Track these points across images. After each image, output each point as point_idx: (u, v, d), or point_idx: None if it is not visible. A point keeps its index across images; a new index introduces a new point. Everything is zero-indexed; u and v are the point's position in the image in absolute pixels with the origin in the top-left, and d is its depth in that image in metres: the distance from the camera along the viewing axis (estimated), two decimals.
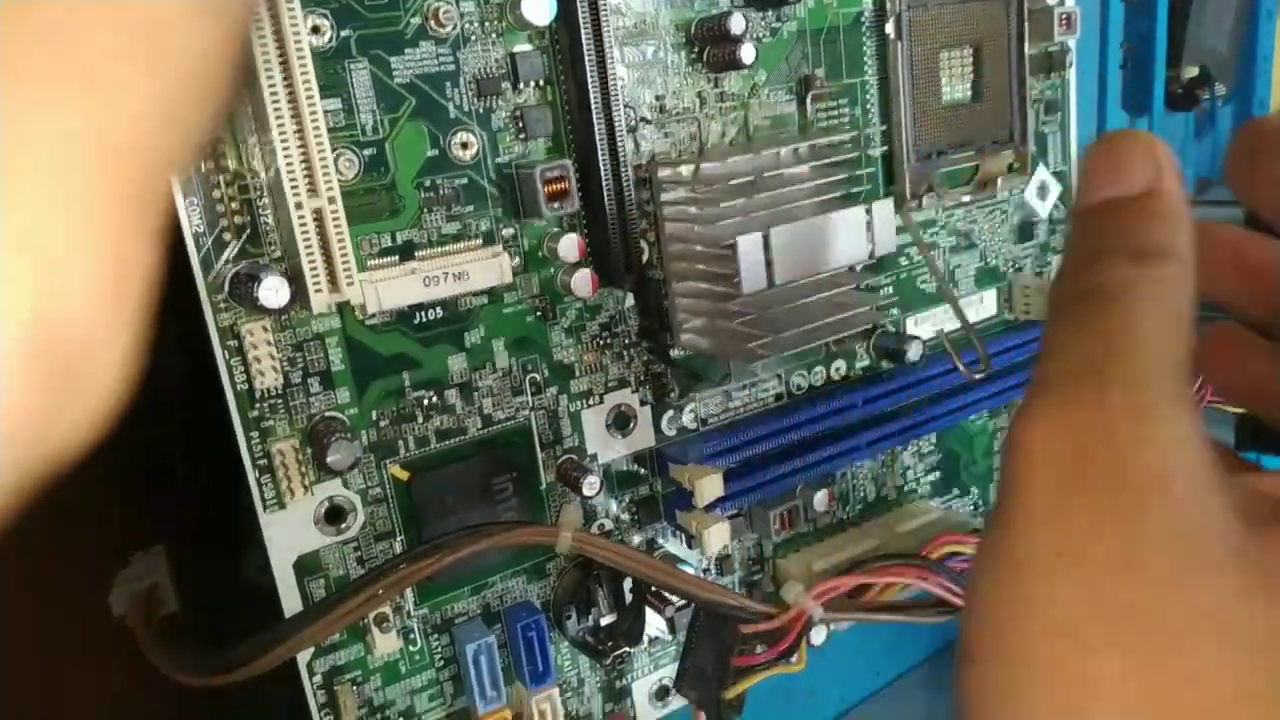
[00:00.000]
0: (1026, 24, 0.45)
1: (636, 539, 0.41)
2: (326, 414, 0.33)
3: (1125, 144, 0.19)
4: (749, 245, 0.34)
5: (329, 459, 0.31)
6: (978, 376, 0.42)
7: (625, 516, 0.40)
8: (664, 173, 0.37)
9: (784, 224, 0.34)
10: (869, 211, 0.36)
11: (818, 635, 0.43)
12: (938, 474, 0.49)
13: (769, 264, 0.34)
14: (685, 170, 0.36)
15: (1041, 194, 0.49)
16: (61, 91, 0.11)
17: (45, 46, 0.11)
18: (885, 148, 0.43)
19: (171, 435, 0.41)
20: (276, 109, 0.28)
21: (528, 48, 0.34)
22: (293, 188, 0.29)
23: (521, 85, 0.34)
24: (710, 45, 0.37)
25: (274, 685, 0.36)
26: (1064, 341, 0.17)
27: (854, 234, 0.36)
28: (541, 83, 0.34)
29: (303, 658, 0.34)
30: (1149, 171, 0.18)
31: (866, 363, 0.45)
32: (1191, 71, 0.55)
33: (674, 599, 0.39)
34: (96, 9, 0.11)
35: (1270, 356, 0.21)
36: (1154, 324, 0.16)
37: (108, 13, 0.11)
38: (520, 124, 0.34)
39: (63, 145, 0.11)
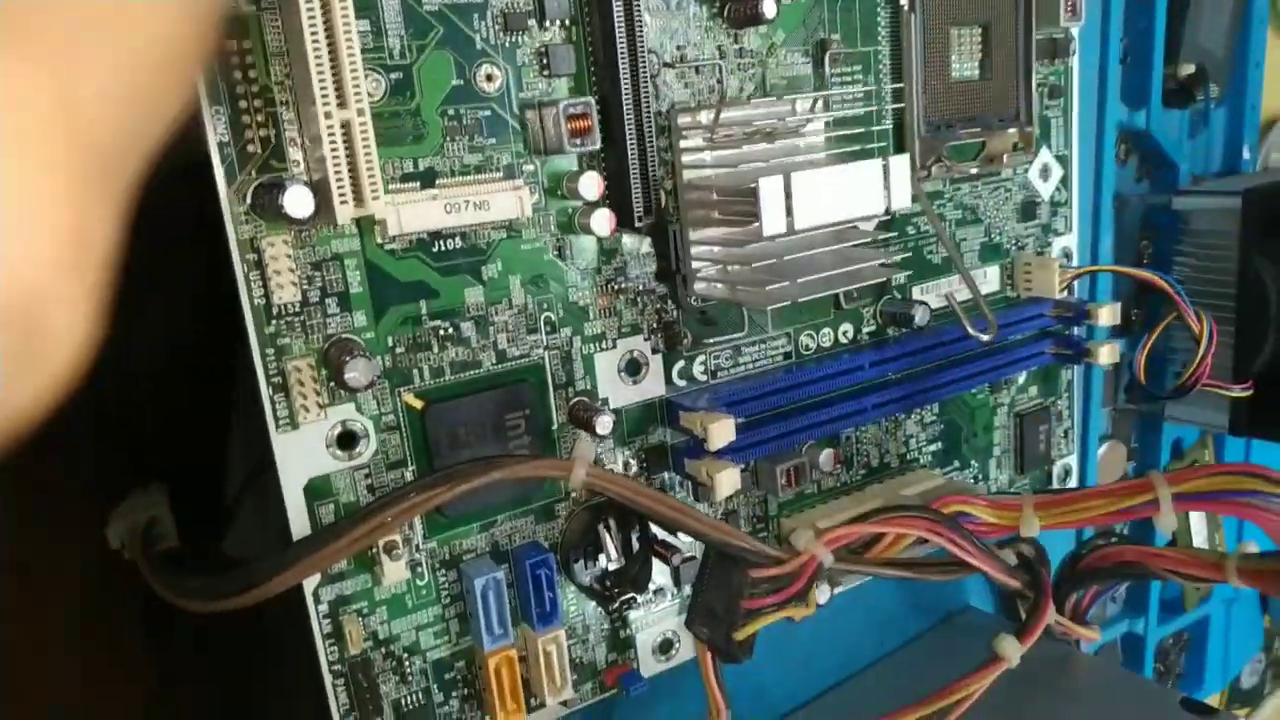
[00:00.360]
0: (1034, 7, 0.46)
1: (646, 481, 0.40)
2: (343, 335, 0.33)
3: None
4: (771, 188, 0.34)
5: (346, 375, 0.31)
6: (985, 337, 0.43)
7: (634, 464, 0.40)
8: (683, 119, 0.37)
9: (805, 170, 0.35)
10: (886, 165, 0.37)
11: (822, 594, 0.43)
12: (939, 445, 0.49)
13: (789, 208, 0.35)
14: (705, 117, 0.37)
15: (1044, 175, 0.50)
16: (26, 64, 0.11)
17: (11, 21, 0.11)
18: (896, 118, 0.44)
19: (174, 375, 0.41)
20: (311, 20, 0.28)
21: None
22: (323, 97, 0.29)
23: (548, 23, 0.34)
24: (732, 1, 0.38)
25: (279, 621, 0.36)
26: None
27: (871, 186, 0.37)
28: (567, 22, 0.35)
29: (309, 585, 0.34)
30: None
31: (873, 328, 0.45)
32: (1188, 69, 0.56)
33: (681, 549, 0.39)
34: None
35: None
36: None
37: None
38: (545, 61, 0.35)
39: (26, 115, 0.11)
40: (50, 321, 0.11)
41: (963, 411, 0.50)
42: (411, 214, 0.32)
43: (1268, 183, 0.53)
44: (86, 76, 0.11)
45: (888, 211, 0.37)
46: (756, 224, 0.34)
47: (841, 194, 0.36)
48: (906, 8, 0.42)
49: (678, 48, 0.37)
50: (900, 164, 0.37)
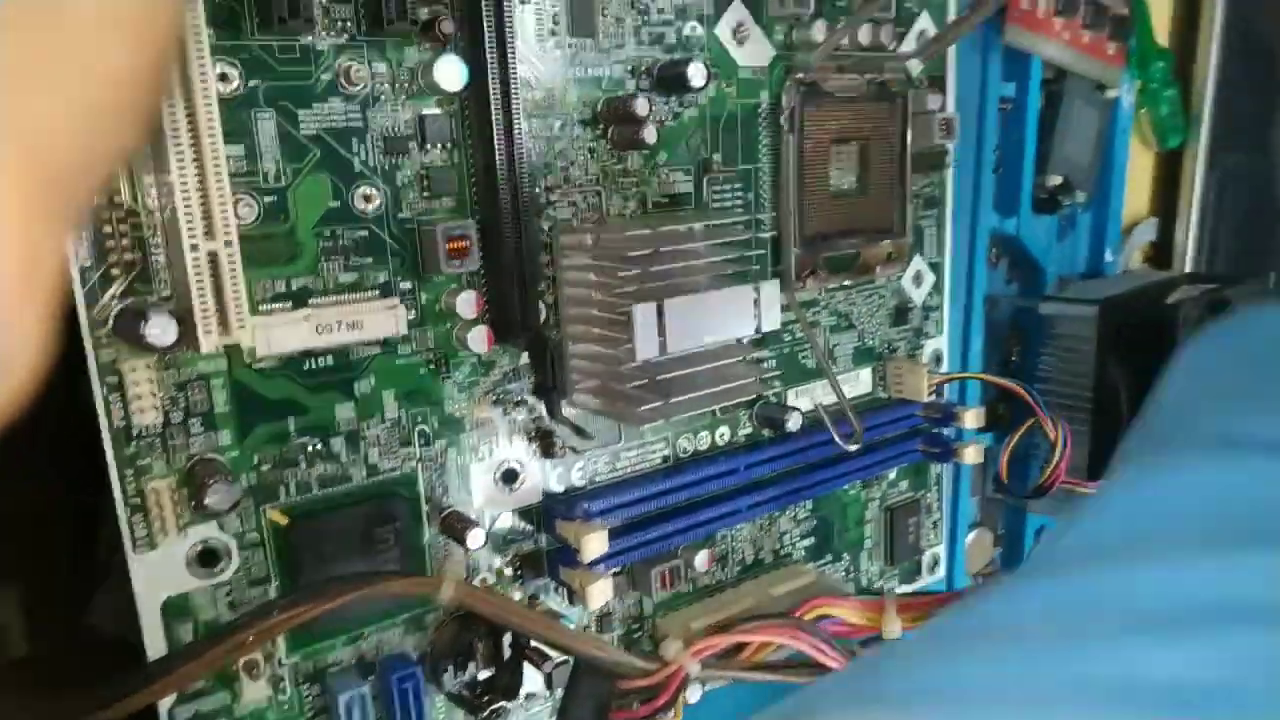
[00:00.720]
0: (910, 126, 0.49)
1: (517, 595, 0.41)
2: (206, 455, 0.33)
3: None
4: (644, 314, 0.35)
5: (207, 500, 0.31)
6: (851, 447, 0.44)
7: (508, 571, 0.40)
8: (565, 239, 0.38)
9: (678, 296, 0.36)
10: (757, 290, 0.38)
11: (694, 694, 0.44)
12: (813, 539, 0.51)
13: (662, 333, 0.36)
14: (586, 239, 0.38)
15: (917, 282, 0.53)
16: None
17: None
18: (774, 231, 0.45)
19: (36, 472, 0.40)
20: (178, 151, 0.29)
21: (436, 111, 0.35)
22: (189, 229, 0.29)
23: (429, 145, 0.35)
24: (615, 124, 0.39)
25: None
26: None
27: (742, 310, 0.38)
28: (449, 144, 0.36)
29: (164, 704, 0.33)
30: None
31: (749, 430, 0.47)
32: (1056, 180, 0.60)
33: (552, 654, 0.40)
34: (17, 15, 0.12)
35: None
36: None
37: (27, 19, 0.12)
38: (425, 182, 0.35)
39: None
40: (5, 340, 0.12)
41: (835, 507, 0.52)
42: (281, 336, 0.32)
43: (1121, 293, 0.57)
44: (41, 104, 0.12)
45: (758, 332, 0.39)
46: (630, 346, 0.35)
47: (714, 317, 0.38)
48: (786, 129, 0.44)
49: (561, 168, 0.38)
50: (770, 289, 0.39)
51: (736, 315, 0.38)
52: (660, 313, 0.36)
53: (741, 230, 0.40)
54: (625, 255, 0.36)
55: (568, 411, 0.40)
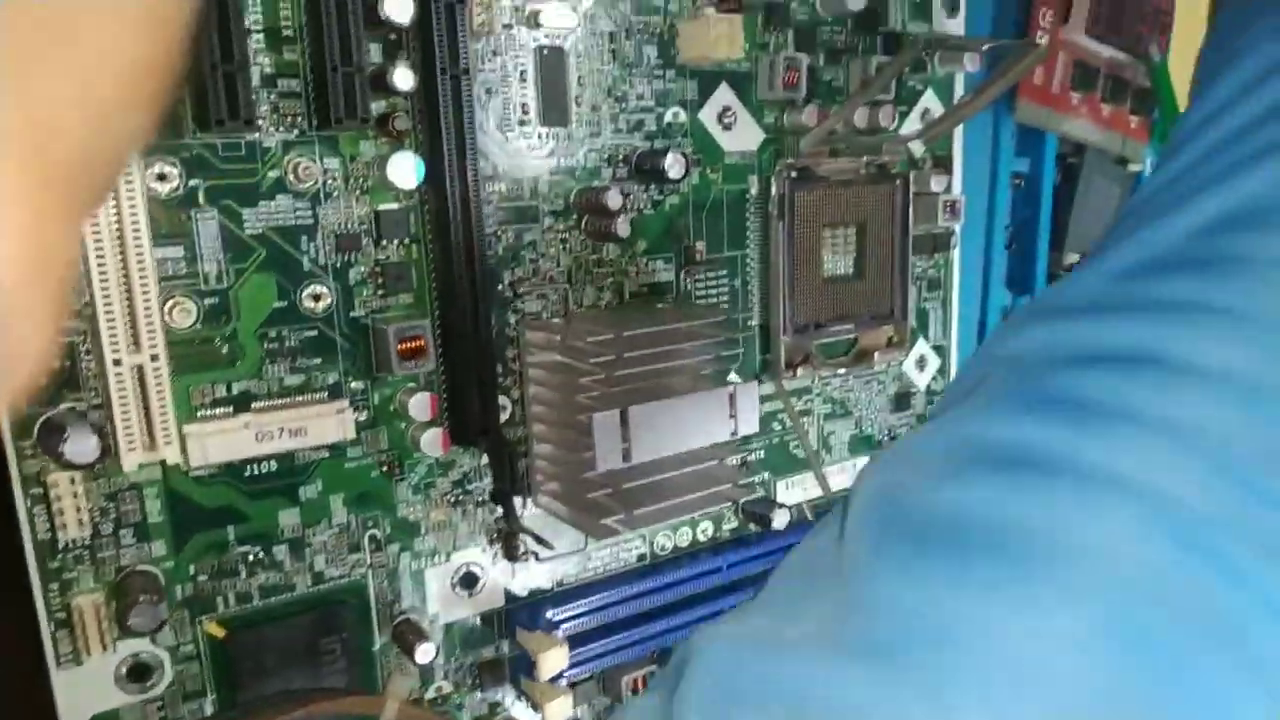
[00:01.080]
0: (912, 208, 0.47)
1: (479, 698, 0.39)
2: (138, 567, 0.31)
3: None
4: (605, 423, 0.33)
5: (130, 621, 0.30)
6: None
7: (468, 679, 0.38)
8: (531, 335, 0.36)
9: (644, 403, 0.34)
10: (732, 394, 0.36)
11: None
12: None
13: (625, 442, 0.34)
14: (553, 336, 0.36)
15: (920, 366, 0.50)
16: None
17: None
18: (763, 319, 0.43)
19: None
20: (100, 260, 0.27)
21: (394, 206, 0.34)
22: (112, 342, 0.28)
23: (384, 242, 0.34)
24: (589, 215, 0.37)
25: None
26: None
27: (717, 415, 0.36)
28: (407, 240, 0.34)
29: None
30: None
31: (734, 525, 0.45)
32: (1073, 257, 0.57)
33: None
34: (23, 8, 0.11)
35: None
36: None
37: (37, 8, 0.12)
38: (380, 279, 0.34)
39: None
40: (14, 333, 0.12)
41: None
42: (218, 445, 0.31)
43: None
44: (50, 91, 0.12)
45: (734, 435, 0.37)
46: (592, 454, 0.33)
47: (685, 424, 0.35)
48: (775, 215, 0.42)
49: (531, 260, 0.37)
50: (748, 390, 0.37)
51: (710, 421, 0.36)
52: (624, 420, 0.34)
53: (720, 326, 0.37)
54: (590, 357, 0.34)
55: (532, 513, 0.38)
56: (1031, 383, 0.18)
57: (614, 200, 0.36)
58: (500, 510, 0.37)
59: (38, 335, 0.12)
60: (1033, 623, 0.16)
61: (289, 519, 0.33)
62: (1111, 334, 0.17)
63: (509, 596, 0.38)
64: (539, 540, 0.37)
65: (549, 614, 0.38)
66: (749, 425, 0.37)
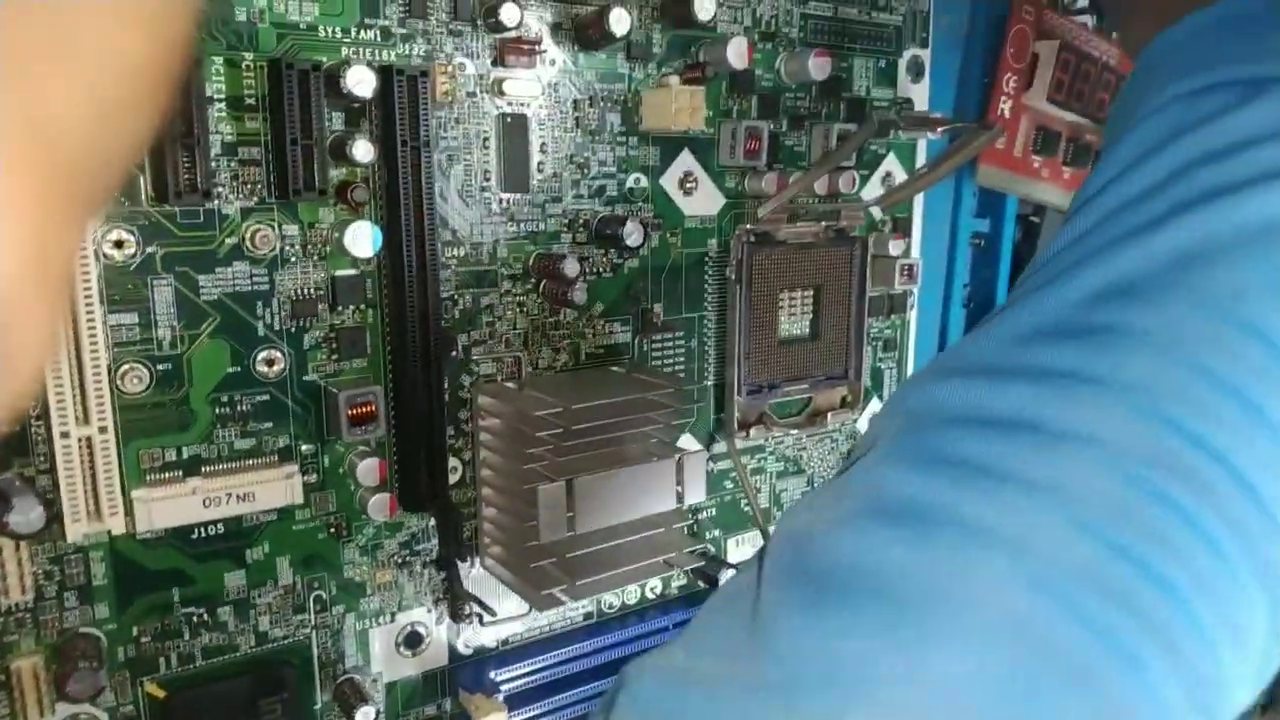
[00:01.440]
0: (869, 270, 0.47)
1: None
2: (81, 630, 0.31)
3: None
4: (550, 495, 0.34)
5: (69, 689, 0.30)
6: None
7: None
8: (484, 400, 0.37)
9: (592, 473, 0.35)
10: (680, 462, 0.37)
11: None
12: None
13: (571, 512, 0.34)
14: (501, 403, 0.36)
15: None
16: None
17: None
18: (717, 381, 0.44)
19: None
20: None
21: (351, 272, 0.34)
22: (61, 414, 0.28)
23: (340, 307, 0.34)
24: (546, 280, 0.38)
25: None
26: None
27: (663, 484, 0.37)
28: (363, 305, 0.34)
29: None
30: None
31: (683, 583, 0.45)
32: None
33: None
34: (23, 8, 0.11)
35: None
36: None
37: (40, 9, 0.12)
38: (334, 344, 0.34)
39: None
40: (15, 334, 0.12)
41: None
42: (166, 511, 0.31)
43: None
44: (53, 94, 0.12)
45: (681, 502, 0.37)
46: (535, 524, 0.34)
47: (632, 493, 0.36)
48: (733, 278, 0.43)
49: (487, 323, 0.37)
50: (695, 461, 0.37)
51: (657, 490, 0.36)
52: (570, 491, 0.34)
53: (674, 395, 0.38)
54: (540, 428, 0.35)
55: (475, 576, 0.38)
56: (924, 440, 0.19)
57: (571, 268, 0.36)
58: (443, 579, 0.37)
59: (37, 334, 0.12)
60: (911, 666, 0.17)
61: (234, 581, 0.34)
62: (999, 398, 0.19)
63: (453, 655, 0.39)
64: (483, 606, 0.37)
65: (492, 674, 0.38)
66: (696, 494, 0.37)
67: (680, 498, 0.37)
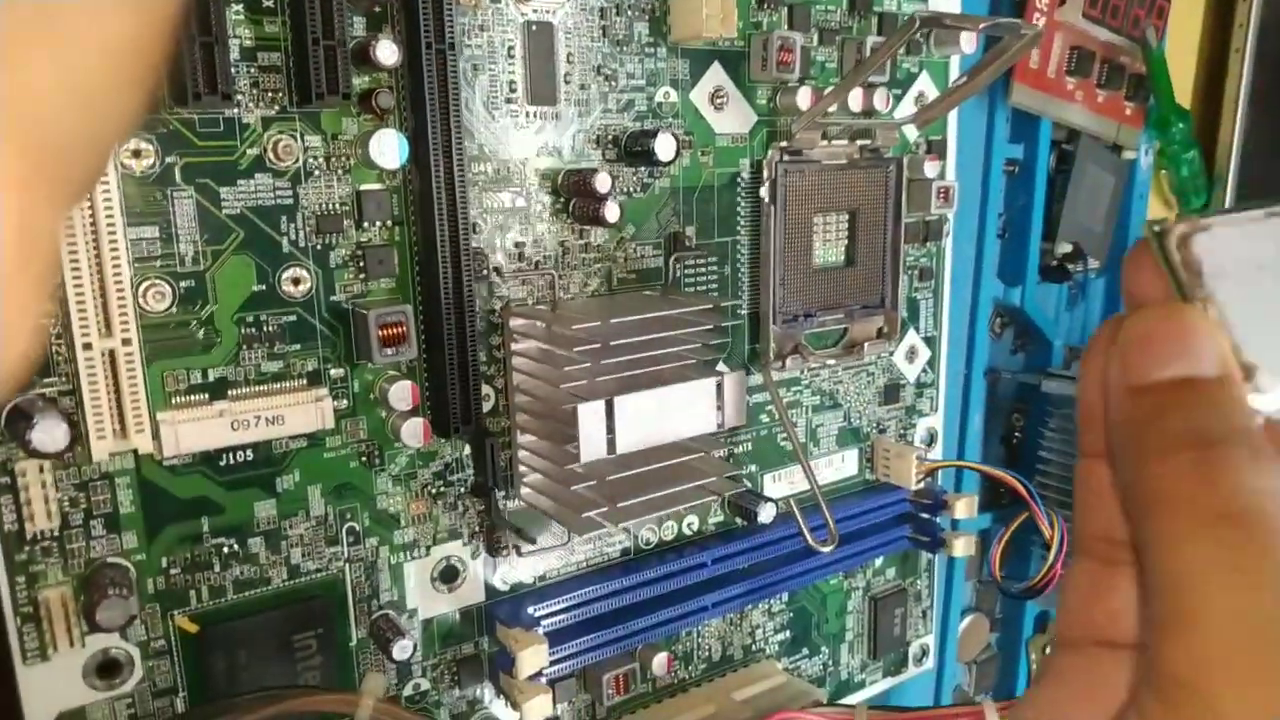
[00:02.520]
0: (905, 194, 0.46)
1: (457, 695, 0.38)
2: (109, 559, 0.30)
3: (1188, 318, 0.18)
4: (590, 414, 0.32)
5: (99, 617, 0.28)
6: (825, 549, 0.41)
7: (446, 676, 0.37)
8: (516, 323, 0.35)
9: (629, 392, 0.33)
10: (719, 384, 0.35)
11: None
12: (788, 633, 0.47)
13: (610, 433, 0.33)
14: (536, 324, 0.35)
15: (910, 357, 0.49)
16: None
17: None
18: (753, 308, 0.43)
19: None
20: (71, 241, 0.26)
21: (377, 186, 0.32)
22: (83, 326, 0.27)
23: (366, 224, 0.32)
24: (576, 198, 0.36)
25: None
26: (1232, 585, 0.16)
27: (703, 405, 0.35)
28: (389, 222, 0.33)
29: None
30: (1220, 354, 0.18)
31: (720, 519, 0.44)
32: (1065, 248, 0.57)
33: None
34: None
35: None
36: None
37: None
38: (362, 263, 0.33)
39: None
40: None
41: (813, 598, 0.48)
42: (192, 434, 0.30)
43: None
44: (39, 75, 0.12)
45: (721, 426, 0.36)
46: (576, 446, 0.32)
47: (671, 414, 0.35)
48: (767, 200, 0.41)
49: (515, 244, 0.36)
50: (735, 380, 0.36)
51: (697, 411, 0.35)
52: (610, 411, 0.33)
53: (710, 314, 0.37)
54: (575, 346, 0.33)
55: (512, 508, 0.37)
56: None
57: (603, 183, 0.35)
58: (481, 505, 0.36)
59: (22, 318, 0.12)
60: None
61: (265, 511, 0.32)
62: None
63: (490, 591, 0.38)
64: (520, 535, 0.36)
65: (530, 610, 0.37)
66: (736, 416, 0.36)
67: (721, 420, 0.36)
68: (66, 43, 0.12)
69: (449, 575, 0.36)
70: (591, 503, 0.34)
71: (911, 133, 0.47)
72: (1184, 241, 0.19)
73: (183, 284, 0.30)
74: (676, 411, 0.35)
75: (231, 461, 0.32)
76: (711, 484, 0.37)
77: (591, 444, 0.32)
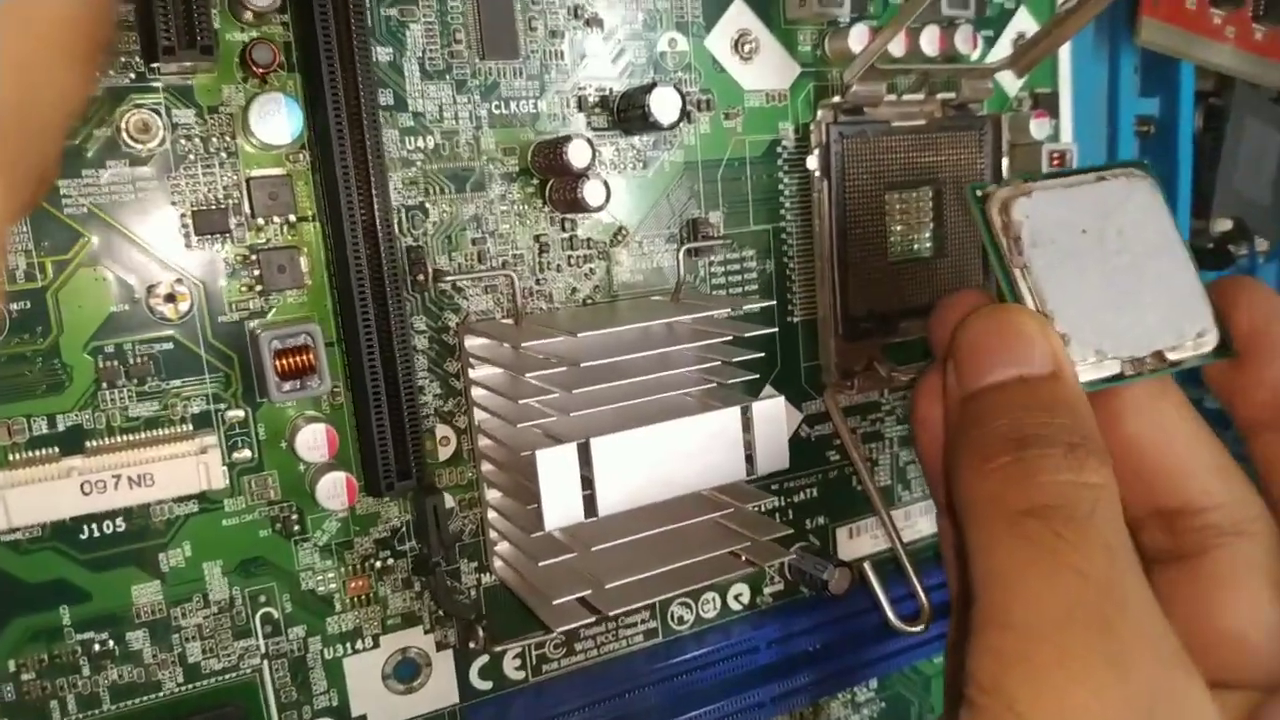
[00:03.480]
0: (1006, 161, 0.36)
1: None
2: None
3: (1018, 319, 0.18)
4: (553, 462, 0.23)
5: None
6: (914, 629, 0.31)
7: None
8: (472, 342, 0.27)
9: (618, 430, 0.24)
10: (747, 413, 0.26)
11: None
12: None
13: (588, 489, 0.24)
14: (502, 344, 0.27)
15: None
16: None
17: None
18: (805, 317, 0.33)
19: None
20: None
21: (275, 171, 0.25)
22: None
23: (261, 220, 0.25)
24: (552, 178, 0.28)
25: None
26: (1032, 574, 0.16)
27: (724, 444, 0.26)
28: (293, 218, 0.25)
29: None
30: (1050, 351, 0.18)
31: (778, 587, 0.34)
32: (1224, 225, 0.45)
33: None
34: None
35: None
36: (1128, 560, 0.16)
37: None
38: (256, 271, 0.25)
39: None
40: None
41: (912, 684, 0.38)
42: (29, 500, 0.23)
43: None
44: None
45: (752, 474, 0.27)
46: (537, 508, 0.24)
47: (680, 459, 0.25)
48: (817, 173, 0.32)
49: (474, 241, 0.28)
50: (770, 411, 0.26)
51: (717, 452, 0.26)
52: (585, 458, 0.24)
53: (733, 322, 0.27)
54: (541, 369, 0.25)
55: (488, 579, 0.28)
56: None
57: (578, 154, 0.26)
58: (423, 586, 0.28)
59: None
60: None
61: (147, 596, 0.25)
62: None
63: (466, 691, 0.29)
64: (476, 624, 0.27)
65: (518, 716, 0.28)
66: (774, 458, 0.27)
67: (751, 466, 0.26)
68: (5, 22, 0.12)
69: (408, 671, 0.28)
70: (568, 583, 0.25)
71: (1011, 83, 0.36)
72: (1006, 207, 0.20)
73: (15, 306, 0.23)
74: (688, 454, 0.25)
75: (95, 534, 0.24)
76: (747, 550, 0.28)
77: (558, 504, 0.24)
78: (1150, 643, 0.15)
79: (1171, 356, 0.20)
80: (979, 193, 0.20)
